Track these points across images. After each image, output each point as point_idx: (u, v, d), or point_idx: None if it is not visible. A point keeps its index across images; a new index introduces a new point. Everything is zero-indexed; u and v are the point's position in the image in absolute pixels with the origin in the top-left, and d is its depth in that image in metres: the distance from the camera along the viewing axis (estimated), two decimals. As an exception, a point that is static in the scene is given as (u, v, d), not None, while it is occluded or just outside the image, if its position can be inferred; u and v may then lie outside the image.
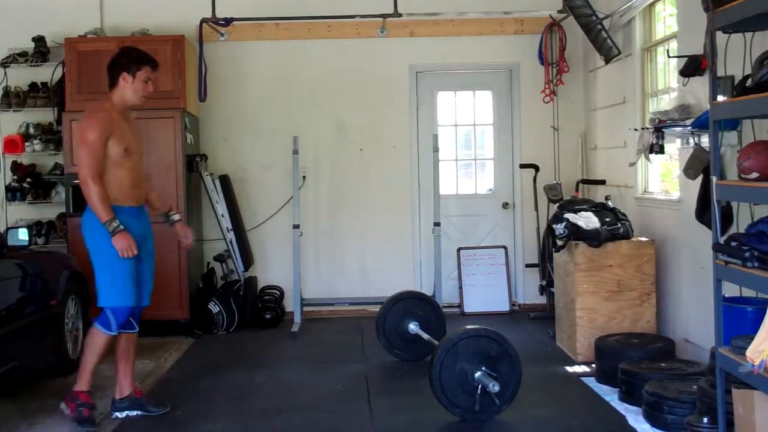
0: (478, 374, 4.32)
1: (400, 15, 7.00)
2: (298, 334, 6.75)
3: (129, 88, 4.52)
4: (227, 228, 7.21)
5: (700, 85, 4.99)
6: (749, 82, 3.58)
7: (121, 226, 4.33)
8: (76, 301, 5.65)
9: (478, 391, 4.30)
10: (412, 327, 5.70)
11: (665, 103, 5.74)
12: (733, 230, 4.20)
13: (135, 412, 4.62)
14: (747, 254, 3.29)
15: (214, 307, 6.94)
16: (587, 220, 5.66)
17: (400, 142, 7.72)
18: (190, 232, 4.91)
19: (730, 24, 3.52)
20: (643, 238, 5.77)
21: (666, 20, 6.08)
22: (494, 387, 4.25)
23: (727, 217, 4.28)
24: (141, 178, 4.61)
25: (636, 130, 5.93)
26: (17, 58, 7.24)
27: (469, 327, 4.57)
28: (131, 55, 4.59)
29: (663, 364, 4.77)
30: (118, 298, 4.42)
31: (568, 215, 5.74)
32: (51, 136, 7.27)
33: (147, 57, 4.60)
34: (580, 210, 5.80)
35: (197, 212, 7.37)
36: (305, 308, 7.14)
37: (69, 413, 4.50)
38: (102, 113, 4.45)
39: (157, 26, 7.19)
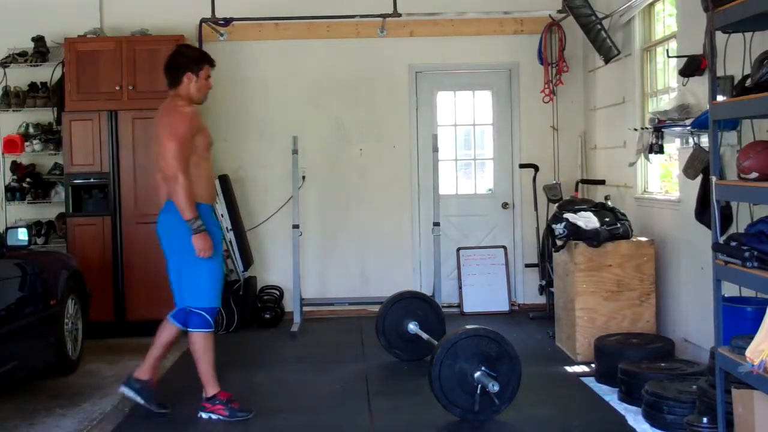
0: (477, 374, 4.32)
1: (399, 15, 7.01)
2: (297, 334, 6.75)
3: (193, 87, 4.57)
4: (227, 228, 7.20)
5: (700, 85, 4.99)
6: (749, 82, 3.58)
7: (204, 226, 4.37)
8: (75, 301, 5.66)
9: (478, 391, 4.30)
10: (412, 327, 5.70)
11: (665, 103, 5.74)
12: (732, 230, 4.20)
13: (139, 398, 4.61)
14: (747, 254, 3.29)
15: (213, 307, 6.93)
16: (587, 220, 5.66)
17: (399, 142, 7.71)
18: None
19: (730, 24, 3.52)
20: (643, 238, 5.77)
21: (665, 20, 6.08)
22: (494, 387, 4.25)
23: (726, 217, 4.28)
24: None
25: (636, 130, 5.93)
26: (17, 58, 7.23)
27: (468, 327, 4.57)
28: (191, 54, 4.64)
29: (663, 364, 4.77)
30: (215, 299, 4.54)
31: (568, 215, 5.74)
32: (51, 136, 7.26)
33: (206, 55, 4.69)
34: (579, 210, 5.80)
35: (197, 212, 7.36)
36: (305, 308, 7.14)
37: (222, 416, 4.52)
38: (188, 109, 4.51)
39: (156, 26, 7.18)
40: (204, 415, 4.55)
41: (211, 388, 4.58)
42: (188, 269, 4.47)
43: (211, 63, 4.66)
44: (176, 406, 4.83)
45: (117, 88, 6.78)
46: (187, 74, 4.54)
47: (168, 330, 4.63)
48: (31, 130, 7.30)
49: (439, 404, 4.41)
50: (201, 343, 4.53)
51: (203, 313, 4.50)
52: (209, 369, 4.57)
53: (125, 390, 4.62)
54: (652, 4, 6.16)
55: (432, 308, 5.88)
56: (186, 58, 4.58)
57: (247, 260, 7.37)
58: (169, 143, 4.37)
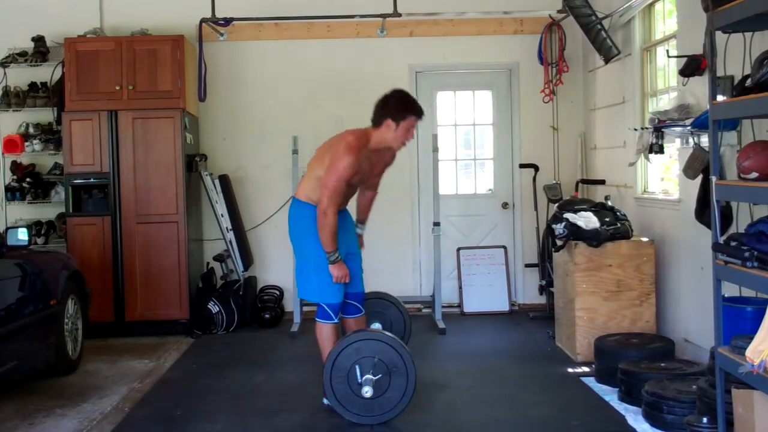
0: (365, 377, 4.37)
1: (399, 15, 7.01)
2: (297, 334, 6.75)
3: (390, 134, 4.57)
4: (227, 228, 7.22)
5: (700, 85, 4.99)
6: (749, 82, 3.58)
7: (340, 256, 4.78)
8: (75, 301, 5.66)
9: (364, 393, 4.33)
10: (377, 327, 5.60)
11: (665, 102, 5.75)
12: (732, 230, 4.20)
13: None
14: (746, 254, 3.29)
15: (213, 307, 6.94)
16: (587, 220, 5.66)
17: (399, 142, 7.70)
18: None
19: (730, 24, 3.52)
20: (643, 238, 5.77)
21: (666, 20, 6.08)
22: (368, 392, 4.30)
23: (726, 217, 4.28)
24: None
25: (636, 130, 5.94)
26: (17, 57, 7.23)
27: (361, 331, 4.67)
28: (400, 104, 4.56)
29: (662, 364, 4.77)
30: (336, 296, 4.74)
31: (568, 215, 5.74)
32: (50, 136, 7.26)
33: (412, 106, 4.58)
34: (579, 210, 5.80)
35: (197, 212, 7.36)
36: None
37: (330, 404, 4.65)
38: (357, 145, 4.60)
39: (156, 26, 7.19)
40: (324, 401, 4.68)
41: None
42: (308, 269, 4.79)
43: (417, 114, 4.56)
44: (176, 405, 4.83)
45: (117, 88, 6.78)
46: (387, 121, 4.54)
47: (347, 325, 4.89)
48: (31, 130, 7.30)
49: (437, 404, 4.41)
50: (321, 332, 4.72)
51: (325, 306, 4.71)
52: None
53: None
54: (652, 4, 6.16)
55: (398, 310, 5.75)
56: (391, 106, 4.53)
57: (248, 260, 7.37)
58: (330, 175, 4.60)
